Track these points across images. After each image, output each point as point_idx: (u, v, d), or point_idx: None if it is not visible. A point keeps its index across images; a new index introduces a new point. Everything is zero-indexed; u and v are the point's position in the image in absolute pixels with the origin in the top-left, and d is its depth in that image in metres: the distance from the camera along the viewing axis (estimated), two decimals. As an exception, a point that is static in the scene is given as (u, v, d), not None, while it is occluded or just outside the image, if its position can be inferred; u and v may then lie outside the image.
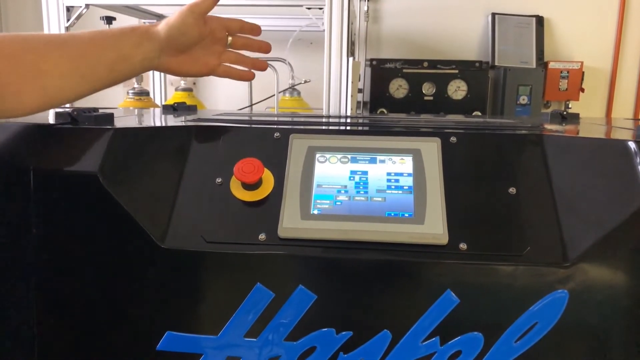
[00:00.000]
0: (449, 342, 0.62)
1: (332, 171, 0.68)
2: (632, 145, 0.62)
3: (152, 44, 0.70)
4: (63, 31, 1.84)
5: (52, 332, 0.66)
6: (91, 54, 0.65)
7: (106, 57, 0.66)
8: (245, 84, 2.32)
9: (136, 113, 1.10)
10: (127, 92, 2.21)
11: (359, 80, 2.30)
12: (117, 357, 0.66)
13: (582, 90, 2.50)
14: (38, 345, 0.66)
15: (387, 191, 0.66)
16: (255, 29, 0.82)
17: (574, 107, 2.54)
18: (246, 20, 0.81)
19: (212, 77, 0.81)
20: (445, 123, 1.03)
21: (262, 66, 0.83)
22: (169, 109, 1.13)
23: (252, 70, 0.83)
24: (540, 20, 2.51)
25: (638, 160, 0.61)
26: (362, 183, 0.67)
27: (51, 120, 0.75)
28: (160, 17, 2.44)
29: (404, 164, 0.68)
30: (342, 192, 0.66)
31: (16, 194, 0.64)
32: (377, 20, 2.61)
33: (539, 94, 2.45)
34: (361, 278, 0.63)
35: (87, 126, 0.68)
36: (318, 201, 0.65)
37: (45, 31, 1.86)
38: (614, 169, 0.63)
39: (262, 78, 2.28)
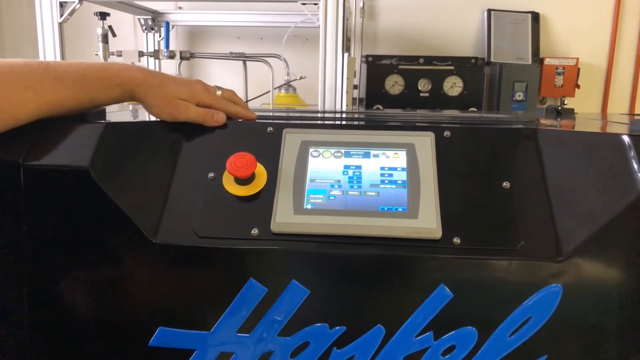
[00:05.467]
0: (443, 337, 0.61)
1: (325, 166, 0.67)
2: (626, 139, 0.62)
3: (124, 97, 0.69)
4: (56, 27, 1.83)
5: (43, 327, 0.66)
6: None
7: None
8: (241, 80, 2.31)
9: (129, 108, 1.09)
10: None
11: (355, 77, 2.29)
12: (109, 353, 0.66)
13: (578, 86, 2.50)
14: (29, 340, 0.65)
15: (381, 186, 0.65)
16: (252, 119, 0.76)
17: (569, 103, 2.54)
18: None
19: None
20: (439, 118, 1.03)
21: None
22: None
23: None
24: (536, 17, 2.51)
25: (632, 154, 0.61)
26: (355, 178, 0.66)
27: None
28: (154, 12, 2.42)
29: (398, 159, 0.67)
30: (336, 186, 0.66)
31: (6, 189, 0.63)
32: (373, 17, 2.60)
33: (534, 91, 2.45)
34: (354, 273, 0.63)
35: (79, 120, 0.68)
36: (311, 196, 0.65)
37: (39, 27, 1.85)
38: (608, 162, 0.62)
39: (258, 75, 2.29)
